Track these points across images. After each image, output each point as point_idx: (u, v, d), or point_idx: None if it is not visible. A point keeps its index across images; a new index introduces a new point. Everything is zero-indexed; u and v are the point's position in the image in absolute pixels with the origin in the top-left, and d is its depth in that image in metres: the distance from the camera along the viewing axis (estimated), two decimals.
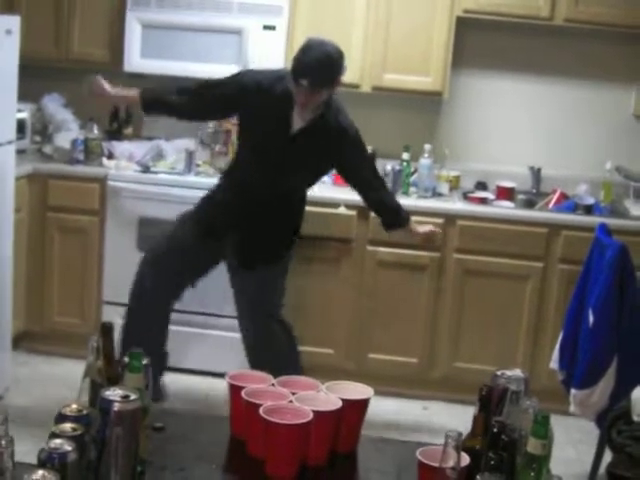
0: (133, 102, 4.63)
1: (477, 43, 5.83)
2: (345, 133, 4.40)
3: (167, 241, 4.62)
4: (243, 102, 4.37)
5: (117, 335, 2.37)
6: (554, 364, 4.75)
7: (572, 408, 4.46)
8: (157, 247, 4.66)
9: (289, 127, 4.31)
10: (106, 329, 2.34)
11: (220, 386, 3.10)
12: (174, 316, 4.92)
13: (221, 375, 2.91)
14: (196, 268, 4.64)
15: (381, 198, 4.65)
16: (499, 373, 2.48)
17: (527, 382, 2.47)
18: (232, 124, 5.56)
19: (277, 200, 4.46)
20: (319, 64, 4.12)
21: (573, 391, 4.45)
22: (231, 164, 4.79)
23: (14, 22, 4.76)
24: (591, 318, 4.35)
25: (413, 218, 4.81)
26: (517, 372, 2.50)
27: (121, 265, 5.38)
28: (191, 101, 4.46)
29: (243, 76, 4.44)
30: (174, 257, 4.56)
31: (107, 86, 4.51)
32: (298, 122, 4.30)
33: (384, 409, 4.96)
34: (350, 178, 4.61)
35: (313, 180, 4.64)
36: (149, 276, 4.60)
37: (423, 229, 4.79)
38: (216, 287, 4.92)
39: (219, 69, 5.42)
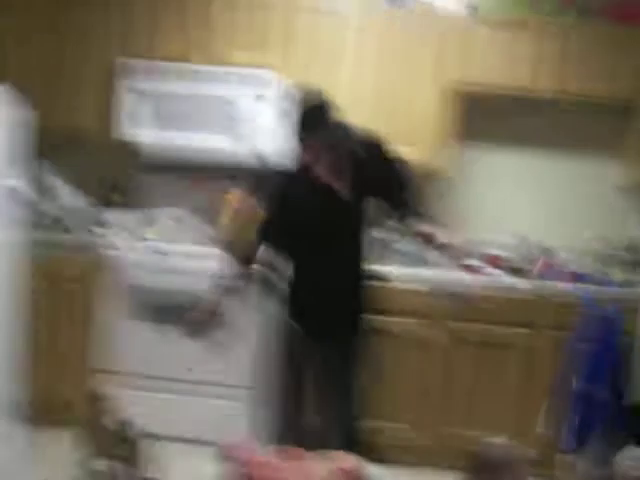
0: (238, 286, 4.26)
1: (467, 115, 5.91)
2: (367, 146, 4.19)
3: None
4: (289, 213, 4.16)
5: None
6: (539, 428, 4.76)
7: (557, 473, 4.48)
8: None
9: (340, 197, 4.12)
10: (94, 398, 2.36)
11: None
12: (159, 383, 4.94)
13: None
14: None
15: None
16: (485, 442, 2.50)
17: (514, 450, 2.49)
18: (229, 194, 5.60)
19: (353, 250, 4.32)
20: (317, 121, 3.98)
21: (559, 456, 4.46)
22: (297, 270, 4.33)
23: (1, 92, 4.77)
24: (579, 384, 4.38)
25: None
26: (503, 440, 2.52)
27: (111, 333, 5.41)
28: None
29: (272, 199, 4.26)
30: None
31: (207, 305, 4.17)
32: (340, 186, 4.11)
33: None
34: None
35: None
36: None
37: None
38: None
39: (210, 138, 5.51)
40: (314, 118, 4.01)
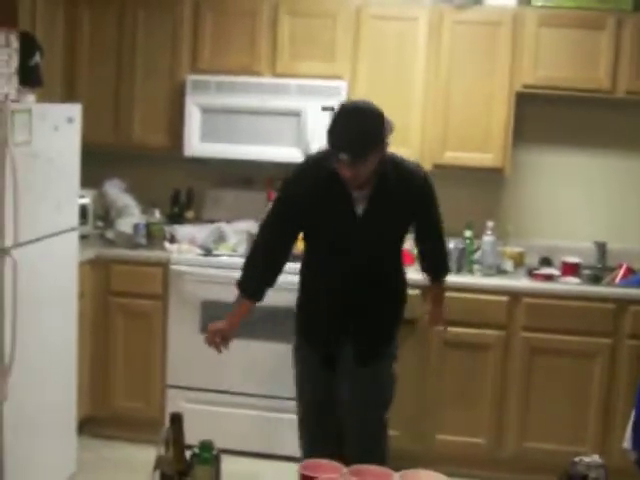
0: (246, 312, 4.20)
1: (536, 117, 5.81)
2: (414, 182, 4.02)
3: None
4: (304, 214, 3.97)
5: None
6: (626, 444, 4.63)
7: None
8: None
9: (353, 210, 3.92)
10: (175, 419, 2.32)
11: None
12: (232, 398, 4.90)
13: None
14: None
15: (434, 246, 4.36)
16: (577, 460, 2.42)
17: (606, 469, 2.41)
18: None
19: (375, 283, 4.07)
20: (356, 133, 3.69)
21: None
22: (306, 271, 4.21)
23: (75, 110, 4.84)
24: None
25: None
26: (595, 458, 2.44)
27: (185, 349, 5.40)
28: (276, 258, 4.10)
29: (285, 194, 4.04)
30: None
31: (220, 325, 4.12)
32: (360, 199, 3.91)
33: None
34: (420, 227, 4.25)
35: (400, 243, 4.19)
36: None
37: (434, 317, 4.48)
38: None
39: (279, 151, 5.49)
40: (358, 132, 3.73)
